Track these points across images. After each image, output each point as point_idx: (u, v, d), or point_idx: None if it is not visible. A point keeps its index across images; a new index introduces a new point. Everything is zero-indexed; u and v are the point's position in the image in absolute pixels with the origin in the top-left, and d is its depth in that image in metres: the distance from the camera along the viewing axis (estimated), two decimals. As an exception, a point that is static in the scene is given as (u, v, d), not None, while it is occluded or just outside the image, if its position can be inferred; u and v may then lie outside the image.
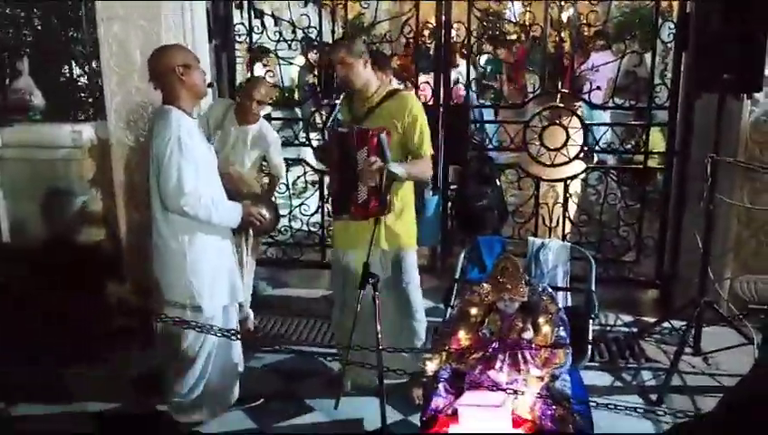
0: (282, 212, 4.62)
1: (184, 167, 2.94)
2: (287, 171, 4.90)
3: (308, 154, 5.73)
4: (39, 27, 4.85)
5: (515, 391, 2.57)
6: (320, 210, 5.34)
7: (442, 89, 4.97)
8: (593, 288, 3.31)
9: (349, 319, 3.27)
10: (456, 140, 4.99)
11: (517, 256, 3.15)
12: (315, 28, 5.13)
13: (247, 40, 5.13)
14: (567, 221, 5.04)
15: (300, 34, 5.31)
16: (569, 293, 3.54)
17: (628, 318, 4.70)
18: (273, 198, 4.51)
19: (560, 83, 6.63)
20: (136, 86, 4.39)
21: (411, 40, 5.25)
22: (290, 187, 5.31)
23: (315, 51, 6.88)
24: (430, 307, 4.20)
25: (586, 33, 7.19)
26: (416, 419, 3.14)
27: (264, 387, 3.79)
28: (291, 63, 6.69)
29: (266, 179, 4.63)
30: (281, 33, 5.23)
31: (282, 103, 6.68)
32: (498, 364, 2.72)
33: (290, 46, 5.32)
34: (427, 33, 5.46)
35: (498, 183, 5.04)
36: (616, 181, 5.24)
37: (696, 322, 4.03)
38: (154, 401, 3.57)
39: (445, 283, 3.78)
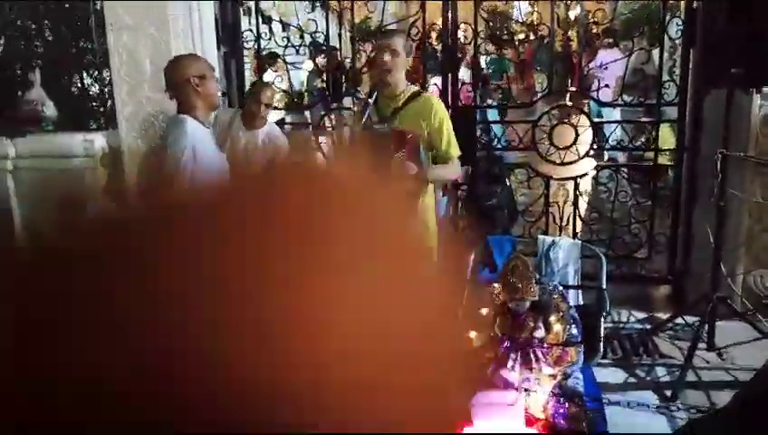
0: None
1: (198, 176, 2.95)
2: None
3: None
4: (50, 38, 4.89)
5: (527, 390, 2.58)
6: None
7: (450, 89, 4.97)
8: (604, 286, 3.31)
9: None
10: (465, 141, 4.99)
11: (528, 254, 3.16)
12: (322, 33, 5.16)
13: (255, 46, 5.17)
14: (578, 219, 5.04)
15: (308, 39, 5.33)
16: (580, 291, 3.54)
17: (641, 315, 4.68)
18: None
19: (568, 82, 6.63)
20: (146, 96, 4.42)
21: (418, 42, 5.26)
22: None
23: (323, 55, 6.91)
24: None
25: (594, 31, 7.17)
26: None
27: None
28: (299, 69, 6.72)
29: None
30: (288, 39, 5.26)
31: (292, 108, 6.70)
32: (510, 363, 2.73)
33: (297, 51, 5.34)
34: (434, 34, 5.47)
35: (508, 182, 5.04)
36: (626, 179, 5.22)
37: (710, 317, 4.02)
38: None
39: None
